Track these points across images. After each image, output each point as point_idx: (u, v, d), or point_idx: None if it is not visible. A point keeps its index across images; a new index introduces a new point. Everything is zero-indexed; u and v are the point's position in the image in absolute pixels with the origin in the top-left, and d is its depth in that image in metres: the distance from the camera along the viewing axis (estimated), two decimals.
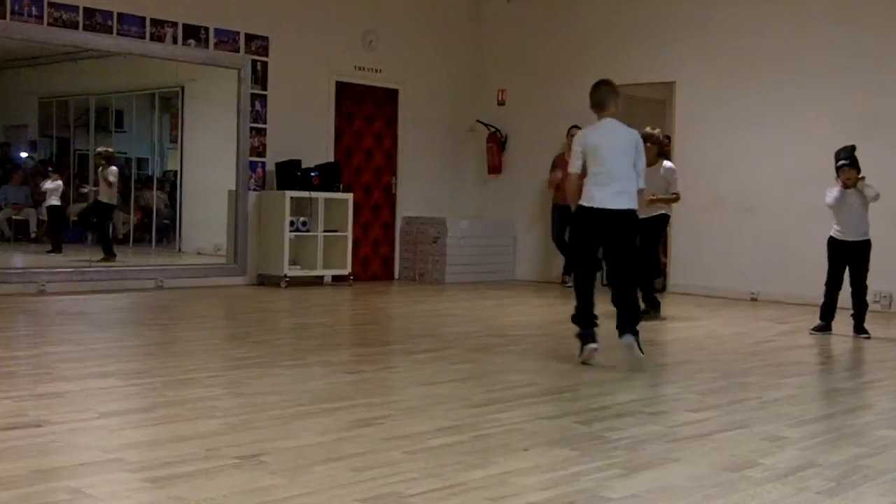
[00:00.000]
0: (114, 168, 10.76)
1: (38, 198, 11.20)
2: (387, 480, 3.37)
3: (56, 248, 10.92)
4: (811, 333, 7.81)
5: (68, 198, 11.04)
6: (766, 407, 4.92)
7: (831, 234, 7.85)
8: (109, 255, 10.64)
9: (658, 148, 8.53)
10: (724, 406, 4.89)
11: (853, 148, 7.80)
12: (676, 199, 8.70)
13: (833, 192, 7.74)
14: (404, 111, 12.04)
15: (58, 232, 11.07)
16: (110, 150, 10.99)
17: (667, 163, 8.69)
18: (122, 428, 4.14)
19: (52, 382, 4.99)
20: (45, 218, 11.20)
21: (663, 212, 8.63)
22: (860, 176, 7.67)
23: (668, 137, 11.15)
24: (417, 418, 4.42)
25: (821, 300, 7.84)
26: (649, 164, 8.49)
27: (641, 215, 8.42)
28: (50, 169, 11.09)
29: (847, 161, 7.73)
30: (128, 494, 3.19)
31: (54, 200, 10.87)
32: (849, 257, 7.79)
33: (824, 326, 7.84)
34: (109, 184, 10.69)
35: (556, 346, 7.25)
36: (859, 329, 7.76)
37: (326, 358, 6.10)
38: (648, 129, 8.63)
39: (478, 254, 12.01)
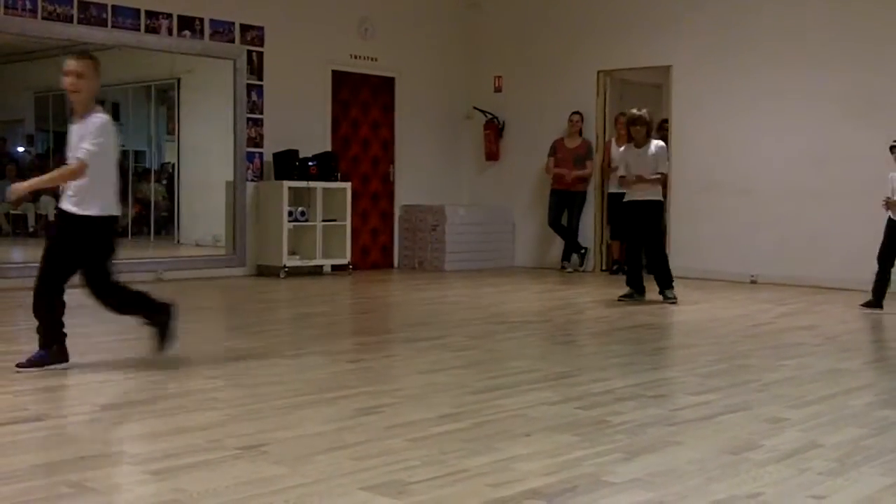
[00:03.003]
0: None
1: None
2: (389, 468, 3.37)
3: None
4: (860, 307, 7.95)
5: None
6: (767, 389, 4.93)
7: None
8: None
9: (647, 129, 8.48)
10: (725, 389, 4.89)
11: None
12: (662, 179, 8.65)
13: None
14: (401, 99, 12.01)
15: None
16: None
17: (657, 142, 8.59)
18: (123, 421, 4.15)
19: (53, 376, 4.98)
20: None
21: (657, 198, 8.56)
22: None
23: (666, 121, 11.14)
24: (419, 406, 4.42)
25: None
26: (638, 144, 8.53)
27: (636, 198, 8.50)
28: None
29: None
30: (130, 487, 3.19)
31: None
32: None
33: (873, 302, 7.99)
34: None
35: (557, 331, 7.26)
36: None
37: (327, 347, 6.11)
38: (635, 111, 8.59)
39: (477, 241, 12.00)
